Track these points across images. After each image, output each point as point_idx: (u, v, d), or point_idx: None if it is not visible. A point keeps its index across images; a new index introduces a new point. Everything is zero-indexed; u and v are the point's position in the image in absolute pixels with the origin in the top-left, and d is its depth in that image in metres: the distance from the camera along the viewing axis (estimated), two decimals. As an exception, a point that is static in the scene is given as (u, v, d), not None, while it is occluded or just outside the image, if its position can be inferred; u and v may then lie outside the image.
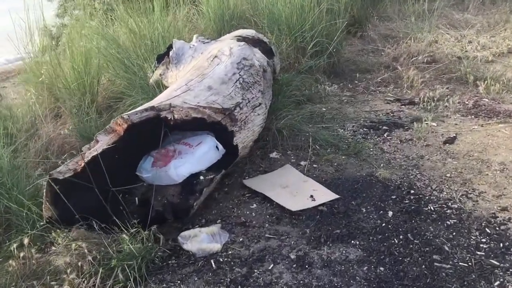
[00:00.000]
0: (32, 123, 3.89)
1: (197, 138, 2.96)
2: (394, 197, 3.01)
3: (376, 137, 3.84)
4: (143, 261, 2.45)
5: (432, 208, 2.88)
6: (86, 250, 2.41)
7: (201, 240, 2.59)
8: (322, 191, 3.06)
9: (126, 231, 2.52)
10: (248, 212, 2.91)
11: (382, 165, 3.39)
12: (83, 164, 2.41)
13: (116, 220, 2.52)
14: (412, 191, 3.06)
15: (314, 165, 3.43)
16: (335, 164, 3.43)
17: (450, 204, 2.91)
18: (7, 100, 4.22)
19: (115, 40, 4.55)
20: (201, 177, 2.84)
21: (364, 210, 2.89)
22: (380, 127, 4.00)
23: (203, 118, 2.77)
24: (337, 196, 3.01)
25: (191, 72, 3.33)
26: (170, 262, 2.53)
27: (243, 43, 3.52)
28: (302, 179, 3.21)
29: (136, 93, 4.08)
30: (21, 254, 2.44)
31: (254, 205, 2.98)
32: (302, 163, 3.46)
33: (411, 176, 3.23)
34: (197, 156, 2.86)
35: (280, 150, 3.63)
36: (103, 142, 2.52)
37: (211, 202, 3.02)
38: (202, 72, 3.21)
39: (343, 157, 3.52)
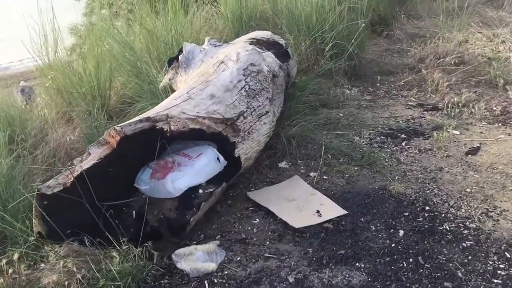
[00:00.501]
0: (41, 128, 3.83)
1: (197, 149, 2.84)
2: (407, 214, 2.81)
3: (393, 146, 3.62)
4: (134, 280, 2.34)
5: (447, 227, 2.67)
6: (74, 268, 2.32)
7: (196, 258, 2.47)
8: (330, 206, 2.89)
9: (119, 247, 2.41)
10: (249, 228, 2.77)
11: (397, 177, 3.18)
12: (72, 179, 2.31)
13: (109, 236, 2.42)
14: (427, 208, 2.85)
15: (324, 177, 3.25)
16: (346, 175, 3.24)
17: (468, 223, 2.70)
18: (18, 103, 4.18)
19: (127, 42, 4.46)
20: (200, 191, 2.71)
21: (373, 228, 2.70)
22: (399, 135, 3.78)
23: (201, 129, 2.63)
24: (345, 212, 2.83)
25: (195, 79, 3.20)
26: (162, 281, 2.42)
27: (251, 47, 3.37)
28: (309, 192, 3.05)
29: (146, 98, 3.99)
30: (10, 270, 2.36)
31: (257, 220, 2.84)
32: (312, 174, 3.28)
33: (428, 191, 3.02)
34: (197, 168, 2.73)
35: (289, 159, 3.47)
36: (95, 155, 2.42)
37: (212, 216, 2.89)
38: (207, 79, 3.08)
39: (356, 168, 3.32)
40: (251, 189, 3.16)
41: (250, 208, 2.95)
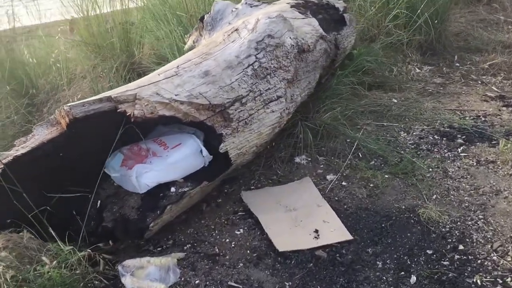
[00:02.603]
0: (56, 84, 3.55)
1: (177, 138, 2.36)
2: (430, 252, 2.16)
3: (446, 151, 2.89)
4: (68, 291, 1.97)
5: (479, 281, 2.00)
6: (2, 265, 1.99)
7: (146, 275, 2.04)
8: (334, 225, 2.31)
9: (62, 246, 2.05)
10: (228, 240, 2.28)
11: (435, 196, 2.50)
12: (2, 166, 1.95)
13: (52, 232, 2.05)
14: (460, 247, 2.18)
15: (344, 183, 2.64)
16: (371, 185, 2.61)
17: (510, 279, 2.00)
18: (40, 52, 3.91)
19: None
20: (172, 189, 2.25)
21: (380, 265, 2.10)
22: (458, 136, 3.02)
23: (175, 117, 2.14)
24: (350, 238, 2.24)
25: (197, 49, 2.67)
26: (100, 296, 2.02)
27: (276, 14, 2.74)
28: (316, 202, 2.47)
29: (171, 59, 3.53)
30: None
31: (241, 230, 2.34)
32: (329, 177, 2.68)
33: (469, 222, 2.32)
34: (171, 161, 2.26)
35: (310, 153, 2.88)
36: (38, 137, 2.02)
37: (193, 216, 2.44)
38: (209, 51, 2.54)
39: (387, 176, 2.67)
40: (251, 187, 2.65)
41: (240, 213, 2.45)
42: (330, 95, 3.22)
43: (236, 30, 2.68)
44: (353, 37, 3.86)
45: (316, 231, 2.28)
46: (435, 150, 2.90)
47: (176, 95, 2.17)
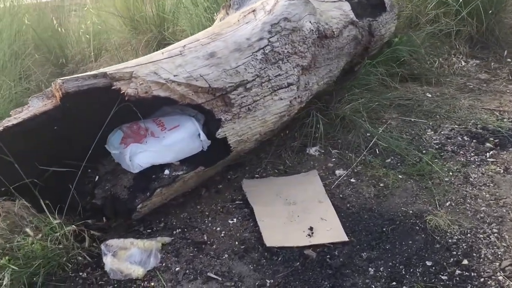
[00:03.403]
0: (87, 55, 3.57)
1: (176, 119, 2.29)
2: (430, 263, 2.00)
3: (472, 154, 2.66)
4: (51, 265, 1.98)
5: (477, 302, 1.82)
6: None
7: (127, 257, 2.01)
8: (331, 224, 2.19)
9: (52, 219, 2.06)
10: (219, 229, 2.21)
11: (448, 203, 2.31)
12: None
13: (42, 204, 2.06)
14: (465, 261, 2.00)
15: (352, 179, 2.49)
16: (381, 184, 2.45)
17: (512, 303, 1.81)
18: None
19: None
20: (166, 172, 2.20)
21: (371, 272, 1.96)
22: (491, 139, 2.78)
23: (171, 99, 2.07)
24: (345, 239, 2.11)
25: (210, 29, 2.58)
26: (81, 274, 2.02)
27: (300, -4, 2.59)
28: (318, 198, 2.35)
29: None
30: None
31: (235, 220, 2.26)
32: (339, 172, 2.55)
33: (481, 235, 2.12)
34: (167, 143, 2.21)
35: (324, 145, 2.74)
36: (32, 109, 2.02)
37: (189, 201, 2.39)
38: (221, 31, 2.44)
39: (400, 176, 2.49)
40: (255, 175, 2.56)
41: (237, 202, 2.37)
42: (356, 84, 3.04)
43: (254, 11, 2.57)
44: (393, 24, 3.64)
45: (311, 228, 2.16)
46: (461, 152, 2.68)
47: (175, 75, 2.10)
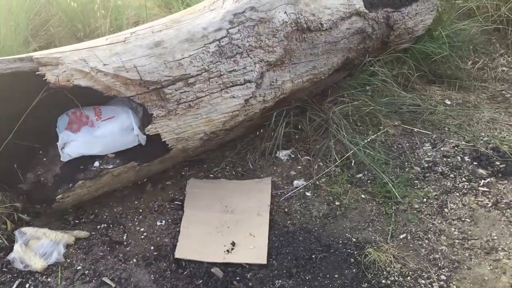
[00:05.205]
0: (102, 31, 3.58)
1: (113, 110, 2.19)
2: (347, 305, 1.72)
3: (463, 179, 2.26)
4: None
5: None
6: None
7: (38, 246, 1.98)
8: (258, 242, 1.98)
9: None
10: (143, 229, 2.10)
11: (403, 235, 1.98)
12: None
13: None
14: (389, 311, 1.70)
15: (308, 193, 2.24)
16: (336, 203, 2.17)
17: None
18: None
19: None
20: (96, 164, 2.12)
21: (276, 305, 1.74)
22: (495, 163, 2.34)
23: (94, 89, 1.97)
24: (263, 262, 1.90)
25: (171, 15, 2.41)
26: (-9, 257, 2.02)
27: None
28: (259, 209, 2.14)
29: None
30: None
31: (163, 222, 2.13)
32: (297, 182, 2.30)
33: (423, 281, 1.80)
34: (98, 134, 2.12)
35: (297, 150, 2.49)
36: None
37: (132, 194, 2.29)
38: (180, 18, 2.27)
39: (364, 196, 2.19)
40: (210, 175, 2.39)
41: (176, 202, 2.24)
42: (355, 84, 2.71)
43: (226, -3, 2.35)
44: (430, 15, 3.20)
45: (233, 243, 1.97)
46: (451, 175, 2.28)
47: (104, 64, 1.98)
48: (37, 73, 1.94)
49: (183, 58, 2.10)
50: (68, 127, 2.23)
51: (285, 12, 2.32)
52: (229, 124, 2.24)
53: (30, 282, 1.86)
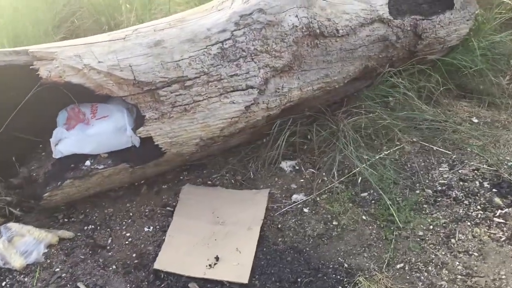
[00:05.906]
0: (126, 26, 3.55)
1: (108, 108, 2.13)
2: (325, 338, 1.59)
3: (478, 207, 2.07)
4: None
5: None
6: None
7: (21, 244, 1.95)
8: (242, 259, 1.87)
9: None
10: (129, 235, 2.03)
11: (401, 265, 1.82)
12: None
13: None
14: None
15: (306, 209, 2.11)
16: (333, 223, 2.03)
17: None
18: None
19: None
20: (87, 163, 2.07)
21: (251, 330, 1.63)
22: (518, 193, 2.13)
23: (85, 87, 1.91)
24: (244, 282, 1.79)
25: (178, 14, 2.32)
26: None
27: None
28: (251, 223, 2.03)
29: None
30: None
31: (151, 228, 2.06)
32: (296, 197, 2.17)
33: (415, 319, 1.63)
34: (90, 133, 2.07)
35: (303, 162, 2.36)
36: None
37: (126, 196, 2.23)
38: (186, 17, 2.17)
39: (365, 217, 2.04)
40: (208, 181, 2.30)
41: (168, 208, 2.16)
42: (374, 95, 2.55)
43: (236, -2, 2.25)
44: (466, 25, 2.99)
45: (217, 258, 1.87)
46: (465, 202, 2.09)
47: (99, 62, 1.92)
48: (31, 67, 1.90)
49: (181, 60, 2.01)
50: (67, 123, 2.19)
51: (296, 16, 2.19)
52: (227, 130, 2.13)
53: (7, 280, 1.83)
